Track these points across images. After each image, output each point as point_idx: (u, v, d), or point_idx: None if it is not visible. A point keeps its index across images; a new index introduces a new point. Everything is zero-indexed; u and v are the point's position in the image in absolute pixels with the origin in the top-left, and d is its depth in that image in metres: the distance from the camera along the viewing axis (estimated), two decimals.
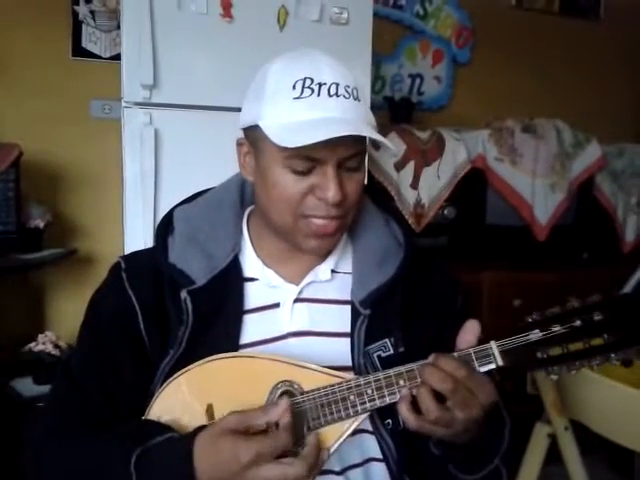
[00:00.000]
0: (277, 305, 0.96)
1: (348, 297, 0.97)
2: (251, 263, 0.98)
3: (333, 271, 0.99)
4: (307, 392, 0.84)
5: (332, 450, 0.83)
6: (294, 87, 0.86)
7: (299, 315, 0.96)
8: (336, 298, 0.98)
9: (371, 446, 0.92)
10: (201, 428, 0.80)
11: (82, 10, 2.51)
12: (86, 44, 2.53)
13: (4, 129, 2.36)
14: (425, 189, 2.50)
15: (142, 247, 1.09)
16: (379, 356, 0.93)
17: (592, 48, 3.46)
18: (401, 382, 0.83)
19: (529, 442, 1.83)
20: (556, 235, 2.65)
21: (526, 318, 0.84)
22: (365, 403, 0.83)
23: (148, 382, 0.91)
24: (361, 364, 0.92)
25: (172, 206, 1.04)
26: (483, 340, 0.85)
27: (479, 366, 0.83)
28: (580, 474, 1.75)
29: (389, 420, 0.91)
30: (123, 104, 1.89)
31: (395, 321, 0.95)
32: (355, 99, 0.88)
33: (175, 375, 0.88)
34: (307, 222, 0.90)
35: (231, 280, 0.96)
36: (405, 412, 0.81)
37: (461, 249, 2.56)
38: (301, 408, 0.83)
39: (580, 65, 3.42)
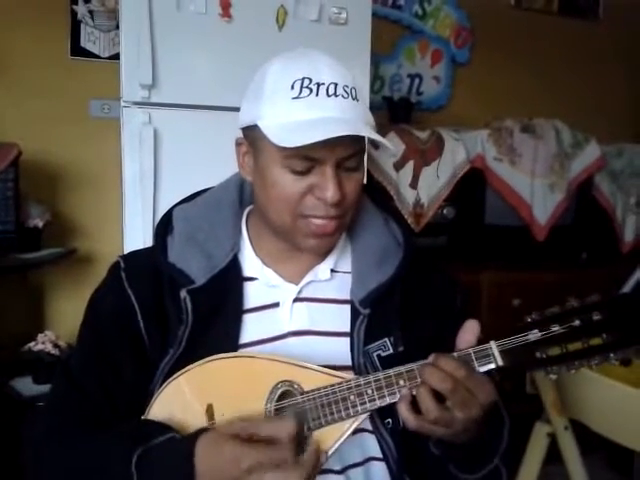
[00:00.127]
0: (277, 304, 0.96)
1: (347, 296, 0.97)
2: (250, 262, 0.98)
3: (332, 270, 0.99)
4: (307, 392, 0.84)
5: (332, 450, 0.83)
6: (292, 87, 0.86)
7: (299, 314, 0.96)
8: (335, 297, 0.98)
9: (371, 445, 0.92)
10: (203, 430, 0.80)
11: (81, 10, 2.50)
12: (85, 44, 2.53)
13: (3, 129, 2.36)
14: (424, 189, 2.51)
15: (141, 246, 1.09)
16: (379, 355, 0.93)
17: (591, 48, 3.46)
18: (401, 382, 0.83)
19: (529, 441, 1.83)
20: (555, 235, 2.65)
21: (525, 318, 0.84)
22: (365, 403, 0.83)
23: (148, 381, 0.91)
24: (361, 363, 0.92)
25: (171, 206, 1.04)
26: (483, 340, 0.85)
27: (479, 366, 0.83)
28: (580, 473, 1.75)
29: (389, 419, 0.91)
30: (122, 104, 1.89)
31: (394, 321, 0.95)
32: (354, 99, 0.88)
33: (175, 375, 0.88)
34: (306, 222, 0.90)
35: (230, 280, 0.96)
36: (405, 412, 0.81)
37: (460, 249, 2.56)
38: (301, 408, 0.83)
39: (579, 65, 3.43)
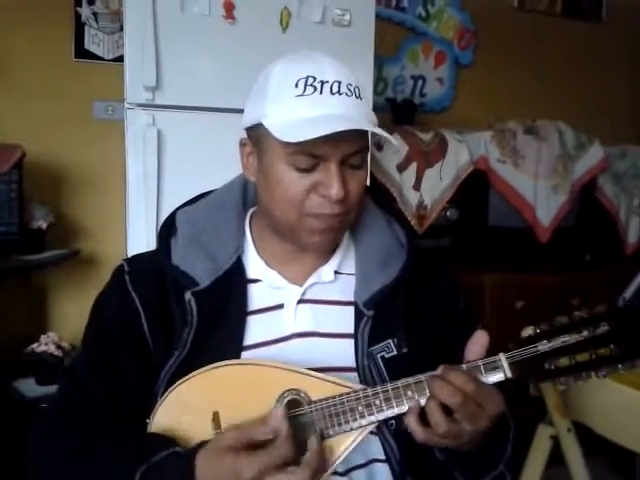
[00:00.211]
0: (281, 306, 0.96)
1: (351, 298, 0.97)
2: (254, 264, 0.98)
3: (336, 272, 0.99)
4: (315, 402, 0.84)
5: (340, 460, 0.83)
6: (297, 85, 0.86)
7: (303, 316, 0.96)
8: (339, 299, 0.98)
9: (374, 447, 0.92)
10: (202, 444, 0.80)
11: (85, 12, 2.51)
12: (89, 46, 2.53)
13: (7, 131, 2.37)
14: (427, 190, 2.50)
15: (145, 248, 1.09)
16: (382, 357, 0.93)
17: (594, 50, 3.46)
18: (409, 393, 0.83)
19: (532, 444, 1.82)
20: (558, 237, 2.65)
21: (534, 328, 0.84)
22: (373, 414, 0.83)
23: (151, 384, 0.92)
24: (365, 365, 0.92)
25: (175, 208, 1.04)
26: (491, 351, 0.84)
27: (488, 378, 0.83)
28: (583, 476, 1.74)
29: (392, 421, 0.91)
30: (126, 105, 1.90)
31: (398, 322, 0.95)
32: (357, 97, 0.88)
33: (179, 382, 0.87)
34: (311, 220, 0.90)
35: (234, 281, 0.96)
36: (414, 425, 0.81)
37: (463, 251, 2.56)
38: (309, 418, 0.83)
39: (582, 67, 3.42)
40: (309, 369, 0.88)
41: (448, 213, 2.54)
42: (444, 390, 0.79)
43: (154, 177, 1.89)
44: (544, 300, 2.46)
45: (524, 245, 2.64)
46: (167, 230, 1.00)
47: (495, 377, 0.83)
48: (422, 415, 0.81)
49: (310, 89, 0.86)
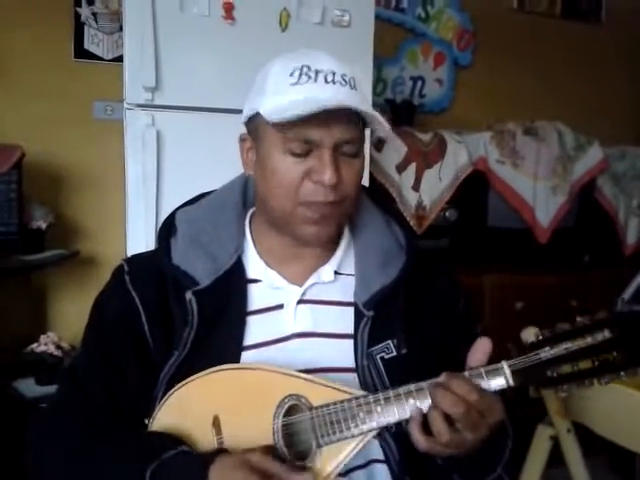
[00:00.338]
0: (280, 306, 0.96)
1: (351, 299, 0.97)
2: (254, 264, 0.98)
3: (336, 273, 0.99)
4: (316, 408, 0.84)
5: (342, 466, 0.83)
6: (292, 74, 0.88)
7: (302, 316, 0.96)
8: (339, 300, 0.98)
9: (373, 448, 0.92)
10: (220, 451, 0.81)
11: (84, 12, 2.51)
12: (88, 46, 2.53)
13: (6, 131, 2.36)
14: (427, 191, 2.51)
15: (144, 248, 1.09)
16: (382, 358, 0.93)
17: (593, 51, 3.46)
18: (411, 400, 0.82)
19: (531, 444, 1.82)
20: (557, 238, 2.65)
21: (537, 334, 0.84)
22: (374, 421, 0.83)
23: (152, 384, 0.92)
24: (364, 365, 0.92)
25: (174, 208, 1.04)
26: (493, 359, 0.84)
27: (490, 386, 0.83)
28: (582, 476, 1.74)
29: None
30: (125, 106, 1.89)
31: (398, 323, 0.95)
32: (352, 88, 0.89)
33: (179, 385, 0.88)
34: (305, 209, 0.90)
35: (235, 281, 0.96)
36: (417, 435, 0.81)
37: (462, 251, 2.55)
38: (310, 425, 0.83)
39: (581, 68, 3.43)
40: (309, 370, 0.88)
41: (447, 214, 2.54)
42: (447, 400, 0.79)
43: (153, 177, 1.89)
44: (543, 301, 2.46)
45: (523, 246, 2.64)
46: (167, 230, 1.00)
47: (497, 385, 0.83)
48: (424, 423, 0.81)
49: (305, 78, 0.87)
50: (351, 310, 0.96)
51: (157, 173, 1.89)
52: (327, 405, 0.84)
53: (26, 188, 2.22)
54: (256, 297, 0.96)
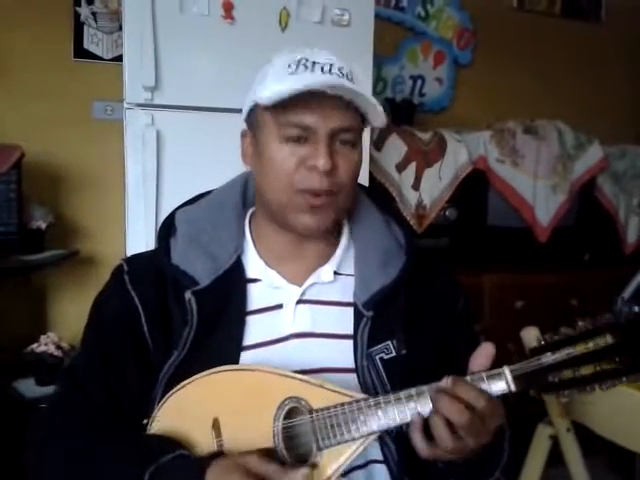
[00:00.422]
0: (280, 306, 0.96)
1: (350, 299, 0.97)
2: (254, 264, 0.98)
3: (336, 273, 0.99)
4: (316, 410, 0.83)
5: (342, 469, 0.83)
6: (289, 66, 0.89)
7: (302, 317, 0.95)
8: (338, 300, 0.98)
9: (373, 448, 0.91)
10: (217, 455, 0.81)
11: (84, 11, 2.51)
12: (88, 45, 2.53)
13: (6, 131, 2.36)
14: (426, 190, 2.50)
15: (144, 248, 1.09)
16: (381, 358, 0.93)
17: (593, 50, 3.46)
18: (412, 404, 0.82)
19: (531, 444, 1.82)
20: (557, 236, 2.65)
21: (538, 339, 0.83)
22: (375, 424, 0.82)
23: (151, 384, 0.91)
24: (364, 366, 0.92)
25: (174, 208, 1.04)
26: (495, 364, 0.84)
27: (491, 391, 0.82)
28: (582, 476, 1.74)
29: None
30: (125, 105, 1.89)
31: (397, 323, 0.95)
32: (349, 80, 0.89)
33: (179, 386, 0.87)
34: (299, 198, 0.90)
35: (234, 281, 0.96)
36: (419, 441, 0.81)
37: (462, 250, 2.55)
38: (310, 427, 0.83)
39: (581, 66, 3.42)
40: (308, 370, 0.88)
41: (447, 213, 2.54)
42: (453, 408, 0.79)
43: (153, 177, 1.89)
44: (543, 300, 2.46)
45: (523, 245, 2.64)
46: (167, 230, 1.00)
47: (498, 390, 0.82)
48: (424, 427, 0.81)
49: (302, 68, 0.89)
50: (350, 310, 0.96)
51: (157, 173, 1.89)
52: (328, 408, 0.83)
53: (26, 188, 2.22)
54: (255, 297, 0.96)
